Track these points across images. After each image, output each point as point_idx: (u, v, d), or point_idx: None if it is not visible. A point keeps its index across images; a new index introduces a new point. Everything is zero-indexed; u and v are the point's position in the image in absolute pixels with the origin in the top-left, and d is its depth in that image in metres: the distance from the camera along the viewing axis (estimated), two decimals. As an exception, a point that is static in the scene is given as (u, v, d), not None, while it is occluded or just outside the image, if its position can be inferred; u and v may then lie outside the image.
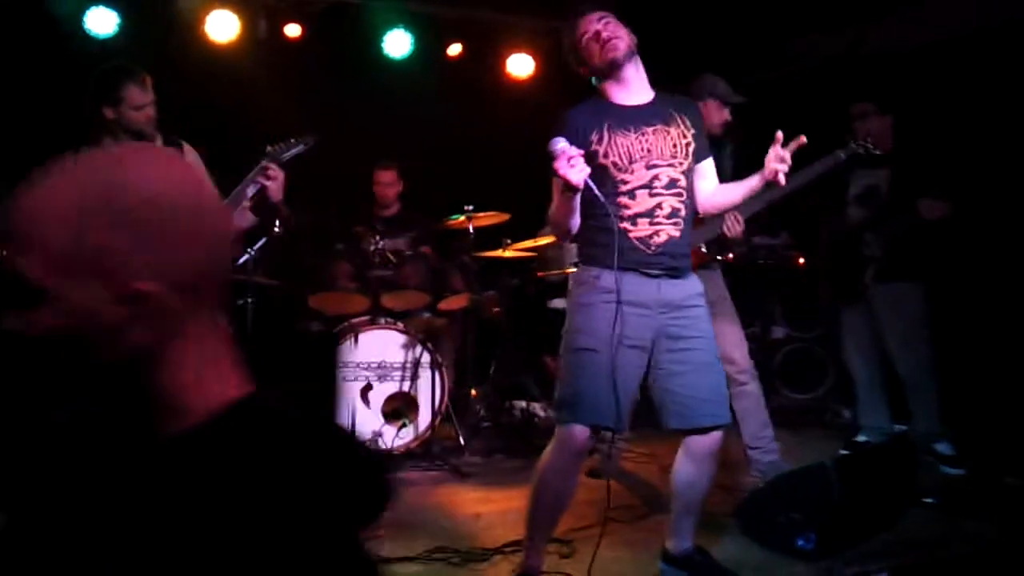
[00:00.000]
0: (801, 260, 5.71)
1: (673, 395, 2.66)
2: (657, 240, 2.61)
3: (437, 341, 4.71)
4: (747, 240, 5.51)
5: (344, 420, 4.40)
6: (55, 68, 4.86)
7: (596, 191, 2.46)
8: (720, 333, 3.77)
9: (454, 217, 4.72)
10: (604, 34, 2.61)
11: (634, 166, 2.61)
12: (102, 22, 5.08)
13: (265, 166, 3.20)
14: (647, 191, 2.61)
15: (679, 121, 2.70)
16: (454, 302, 4.89)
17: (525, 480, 3.98)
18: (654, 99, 2.72)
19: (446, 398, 4.54)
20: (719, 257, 3.80)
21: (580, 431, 2.60)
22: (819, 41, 5.77)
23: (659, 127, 2.65)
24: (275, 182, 3.21)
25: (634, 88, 2.69)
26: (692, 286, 2.73)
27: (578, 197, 2.49)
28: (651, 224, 2.61)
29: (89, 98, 3.28)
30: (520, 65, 6.11)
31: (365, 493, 0.89)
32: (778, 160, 2.58)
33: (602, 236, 2.60)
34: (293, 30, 5.54)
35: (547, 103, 4.30)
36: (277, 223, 4.53)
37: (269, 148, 3.31)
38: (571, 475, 2.69)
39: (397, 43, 5.70)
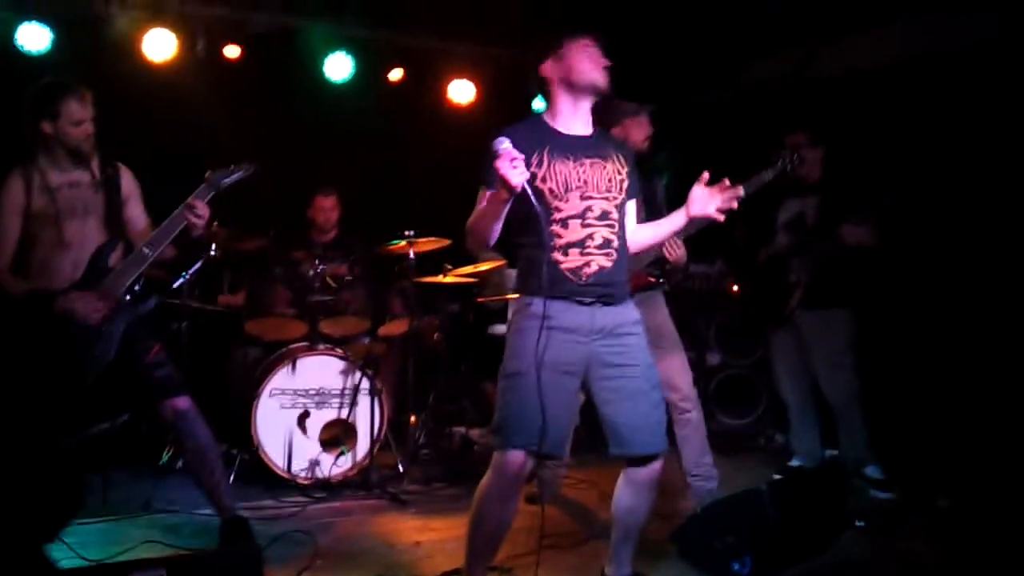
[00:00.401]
0: (735, 287, 5.83)
1: (608, 422, 2.70)
2: (588, 271, 2.64)
3: (376, 367, 4.67)
4: (684, 267, 5.61)
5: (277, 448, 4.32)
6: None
7: (533, 197, 2.47)
8: (664, 359, 3.83)
9: (394, 242, 4.70)
10: (601, 60, 2.69)
11: (569, 195, 2.64)
12: (34, 38, 4.96)
13: (191, 204, 3.14)
14: (579, 221, 2.65)
15: (615, 158, 2.77)
16: (394, 327, 4.86)
17: (465, 508, 3.94)
18: (593, 134, 2.79)
19: (385, 425, 4.49)
20: (660, 281, 3.86)
21: (515, 456, 2.59)
22: (764, 65, 5.91)
23: (597, 160, 2.71)
24: (201, 219, 3.16)
25: (580, 119, 2.76)
26: (628, 314, 2.76)
27: (508, 205, 2.49)
28: (582, 254, 2.64)
29: (26, 112, 3.21)
30: (461, 91, 6.15)
31: None
32: (704, 199, 2.70)
33: (535, 265, 2.63)
34: (232, 51, 5.47)
35: (488, 129, 4.32)
36: (213, 246, 4.47)
37: (208, 174, 3.25)
38: (510, 501, 2.66)
39: (337, 66, 5.69)
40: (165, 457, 4.43)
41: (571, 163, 2.67)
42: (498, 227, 2.60)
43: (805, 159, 4.18)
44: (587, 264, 2.64)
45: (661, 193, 3.97)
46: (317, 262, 4.66)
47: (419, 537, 3.62)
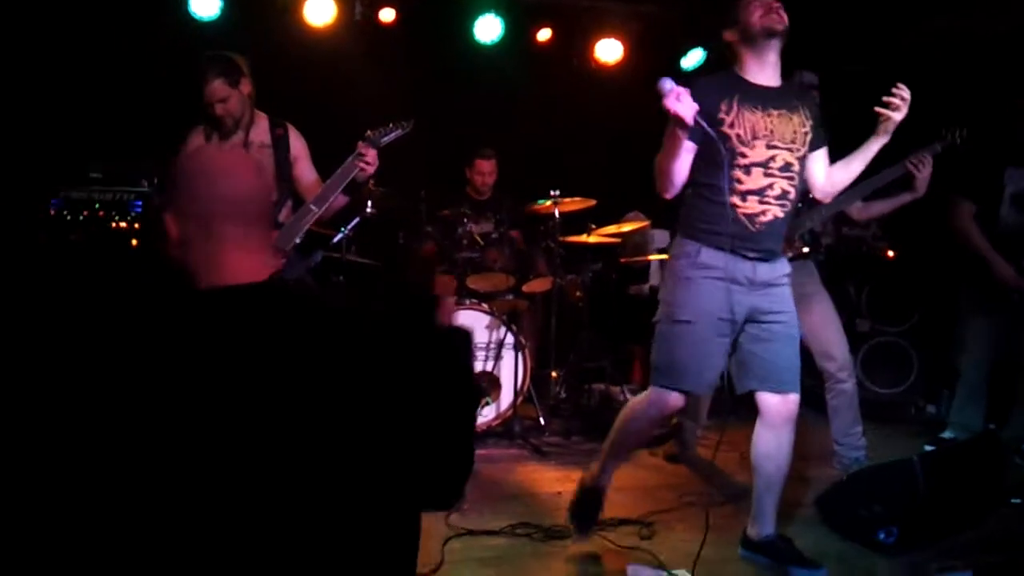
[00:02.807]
0: (890, 252, 5.61)
1: (757, 358, 2.81)
2: (763, 219, 2.73)
3: (519, 323, 4.80)
4: (836, 231, 5.44)
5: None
6: (159, 50, 5.07)
7: (707, 127, 2.55)
8: (820, 328, 3.79)
9: (540, 202, 4.79)
10: (774, 5, 2.72)
11: (756, 142, 2.71)
12: (205, 5, 5.27)
13: (362, 152, 3.31)
14: (762, 170, 2.72)
15: (801, 110, 2.80)
16: (537, 285, 4.97)
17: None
18: (782, 86, 2.83)
19: (528, 379, 4.63)
20: (808, 249, 3.80)
21: (675, 397, 2.80)
22: (922, 28, 5.55)
23: (784, 112, 2.76)
24: (369, 165, 3.33)
25: (768, 70, 2.78)
26: (782, 267, 2.88)
27: (685, 140, 2.59)
28: (760, 203, 2.72)
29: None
30: (609, 50, 6.12)
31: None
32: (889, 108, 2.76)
33: (709, 212, 2.74)
34: (387, 15, 5.65)
35: (634, 89, 4.31)
36: (369, 204, 4.68)
37: (368, 133, 3.41)
38: (654, 426, 3.00)
39: (487, 28, 5.77)
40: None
41: (759, 112, 2.73)
42: (679, 167, 2.67)
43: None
44: (763, 212, 2.73)
45: None
46: (466, 220, 4.81)
47: (560, 487, 3.73)
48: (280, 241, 3.35)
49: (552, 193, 4.71)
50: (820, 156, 2.92)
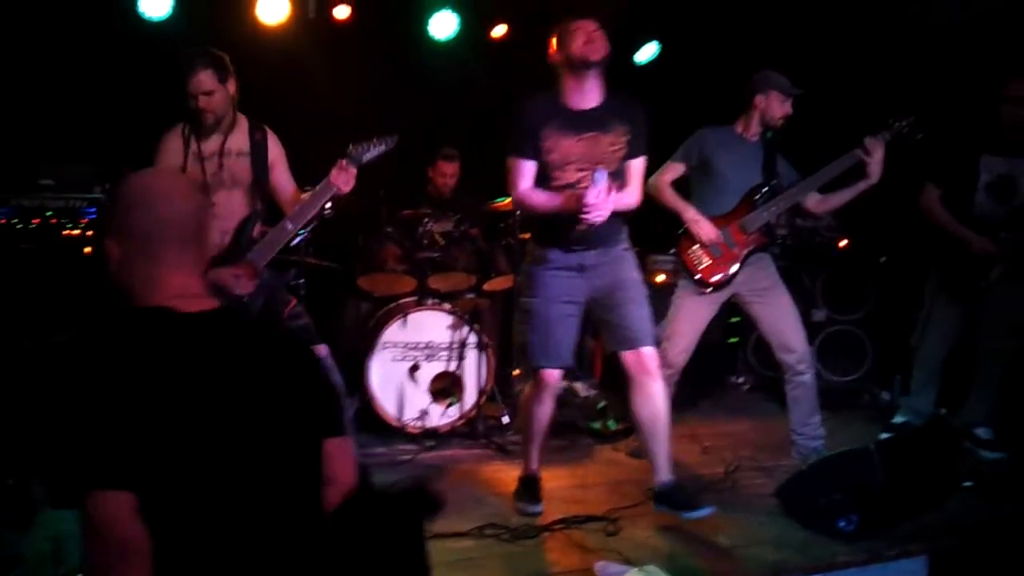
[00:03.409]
0: (843, 242, 5.71)
1: (609, 325, 3.27)
2: (578, 227, 3.06)
3: (481, 321, 4.80)
4: (790, 222, 5.51)
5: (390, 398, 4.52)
6: (107, 50, 4.96)
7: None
8: (779, 320, 3.87)
9: (499, 200, 4.79)
10: (594, 35, 3.03)
11: (568, 166, 3.09)
12: (155, 4, 5.13)
13: (342, 171, 3.24)
14: (572, 190, 3.06)
15: (617, 127, 3.10)
16: (499, 283, 4.97)
17: (568, 459, 4.14)
18: (601, 104, 3.10)
19: (491, 378, 4.63)
20: (768, 243, 3.85)
21: (547, 373, 3.26)
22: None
23: (597, 134, 3.09)
24: (348, 187, 3.26)
25: (587, 94, 3.10)
26: (614, 248, 3.22)
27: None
28: (570, 216, 3.06)
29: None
30: (564, 45, 6.12)
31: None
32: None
33: (539, 219, 3.24)
34: (342, 12, 5.57)
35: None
36: (328, 205, 4.63)
37: (350, 148, 3.28)
38: (546, 404, 3.36)
39: (443, 24, 5.75)
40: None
41: (572, 138, 3.07)
42: None
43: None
44: (576, 223, 3.04)
45: (786, 169, 3.94)
46: (426, 219, 4.79)
47: (525, 486, 3.75)
48: (255, 258, 3.27)
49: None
50: (633, 165, 3.19)
